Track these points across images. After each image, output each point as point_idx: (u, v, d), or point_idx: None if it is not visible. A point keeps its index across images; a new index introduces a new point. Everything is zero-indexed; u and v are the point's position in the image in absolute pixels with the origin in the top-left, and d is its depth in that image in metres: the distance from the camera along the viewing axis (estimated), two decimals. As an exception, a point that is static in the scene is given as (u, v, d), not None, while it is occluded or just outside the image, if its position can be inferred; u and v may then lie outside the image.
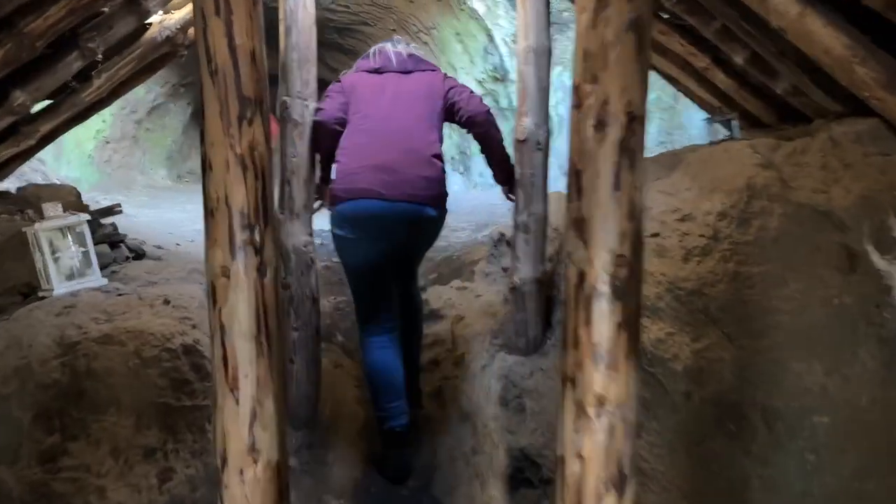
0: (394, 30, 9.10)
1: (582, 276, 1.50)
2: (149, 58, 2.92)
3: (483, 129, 2.66)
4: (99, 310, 2.54)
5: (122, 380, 2.32)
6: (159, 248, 4.26)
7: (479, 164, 8.75)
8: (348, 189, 2.47)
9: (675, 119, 6.08)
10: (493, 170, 2.77)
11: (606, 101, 1.50)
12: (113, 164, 9.90)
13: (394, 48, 2.69)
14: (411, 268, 2.88)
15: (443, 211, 2.63)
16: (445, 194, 2.63)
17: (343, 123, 2.57)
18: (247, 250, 1.44)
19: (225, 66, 1.42)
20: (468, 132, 2.71)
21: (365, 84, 2.61)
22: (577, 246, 1.52)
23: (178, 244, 4.76)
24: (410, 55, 2.69)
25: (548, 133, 2.67)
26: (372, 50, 2.73)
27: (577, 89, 1.55)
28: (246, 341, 1.43)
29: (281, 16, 2.55)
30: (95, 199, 8.18)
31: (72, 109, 3.03)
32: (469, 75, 8.11)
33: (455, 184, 7.29)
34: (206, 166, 1.46)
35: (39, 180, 6.54)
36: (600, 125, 1.50)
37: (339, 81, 2.68)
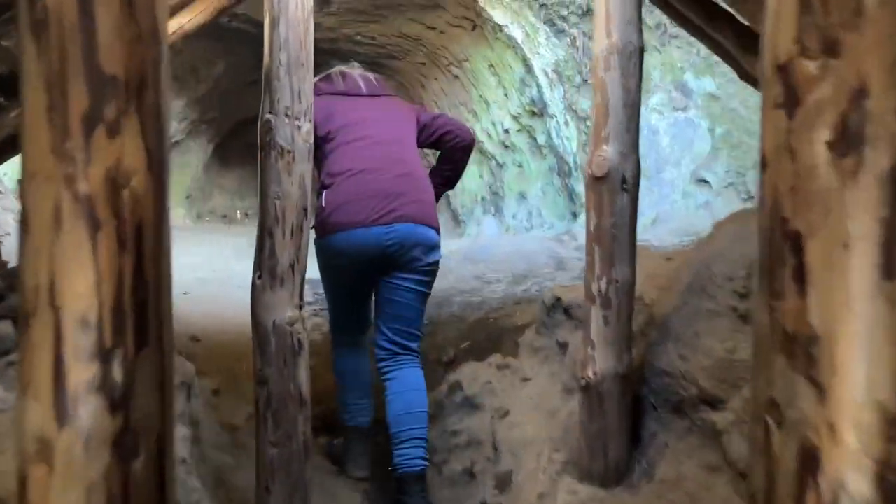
0: (423, 63, 8.48)
1: (808, 457, 0.69)
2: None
3: (467, 155, 2.62)
4: None
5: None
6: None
7: (512, 204, 7.97)
8: (346, 221, 2.27)
9: None
10: (440, 180, 2.63)
11: (861, 92, 0.71)
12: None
13: (353, 71, 2.57)
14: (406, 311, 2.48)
15: (438, 237, 2.47)
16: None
17: None
18: (94, 404, 0.66)
19: (64, 8, 0.67)
20: (444, 147, 2.58)
21: (340, 108, 2.41)
22: (792, 391, 0.73)
23: (185, 293, 4.01)
24: (377, 79, 2.62)
25: (638, 166, 1.88)
26: (332, 72, 2.56)
27: (785, 71, 0.76)
28: None
29: (266, 5, 1.83)
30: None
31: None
32: (503, 109, 7.40)
33: (488, 226, 6.53)
34: (23, 222, 0.70)
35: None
36: (847, 143, 0.72)
37: None
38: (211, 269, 5.14)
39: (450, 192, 9.63)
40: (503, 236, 5.87)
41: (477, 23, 6.84)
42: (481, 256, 5.29)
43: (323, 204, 2.29)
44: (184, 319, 3.57)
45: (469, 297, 4.34)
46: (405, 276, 2.35)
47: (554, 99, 6.18)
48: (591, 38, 5.74)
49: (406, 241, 2.29)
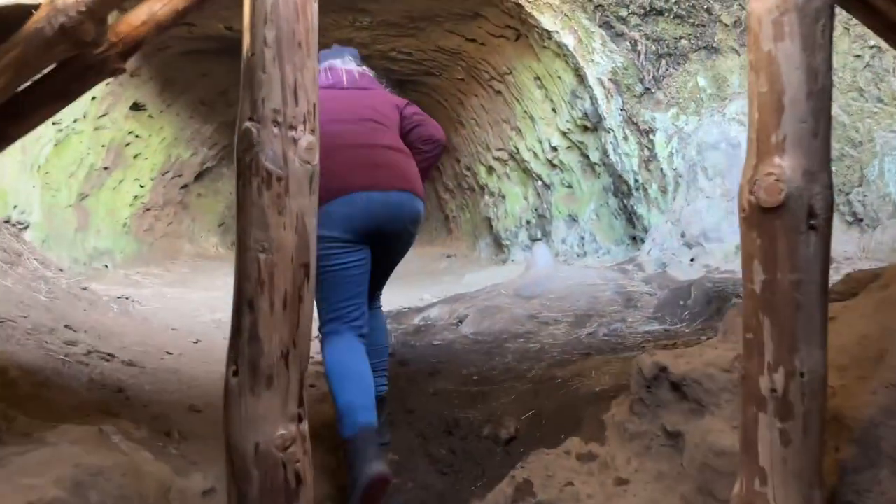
0: (462, 78, 7.86)
1: None
2: (40, 67, 1.62)
3: (435, 153, 2.55)
4: None
5: None
6: (130, 364, 2.92)
7: (561, 228, 7.26)
8: (338, 188, 2.21)
9: None
10: None
11: None
12: (155, 233, 8.88)
13: (344, 66, 2.53)
14: (389, 271, 2.55)
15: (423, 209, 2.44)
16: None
17: None
18: None
19: None
20: (413, 139, 2.50)
21: (323, 100, 2.19)
22: None
23: (167, 354, 3.40)
24: (362, 74, 2.54)
25: (830, 191, 1.17)
26: (321, 65, 2.48)
27: None
28: None
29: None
30: (131, 273, 7.12)
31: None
32: (550, 125, 6.72)
33: (540, 256, 5.79)
34: None
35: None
36: None
37: None
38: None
39: (492, 216, 8.97)
40: (557, 266, 5.15)
41: (521, 31, 6.20)
42: (535, 291, 4.59)
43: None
44: (186, 381, 2.95)
45: (525, 343, 3.64)
46: (394, 246, 2.36)
47: (611, 111, 5.48)
48: (654, 40, 5.05)
49: (403, 210, 2.29)
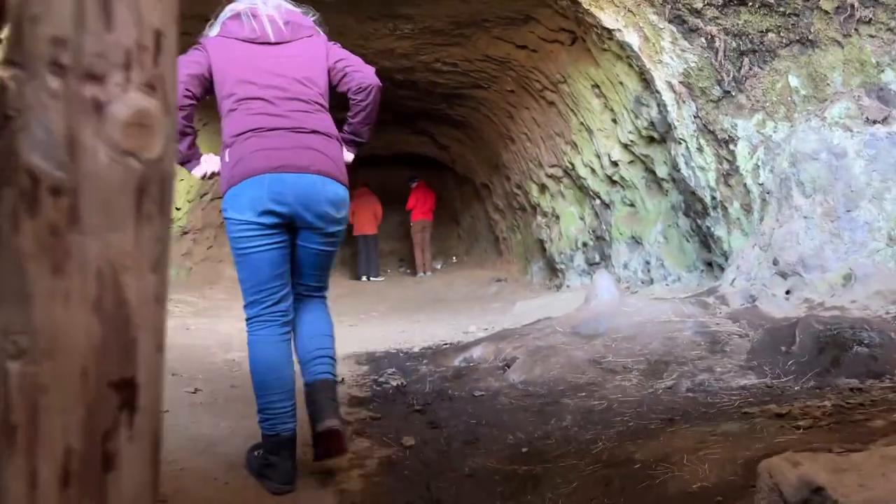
0: (511, 90, 7.21)
1: None
2: None
3: (371, 100, 2.32)
4: None
5: None
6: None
7: (623, 251, 6.47)
8: (247, 170, 2.09)
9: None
10: (349, 132, 2.39)
11: None
12: (194, 258, 8.50)
13: (266, 11, 2.25)
14: (321, 262, 2.33)
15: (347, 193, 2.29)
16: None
17: (193, 99, 2.15)
18: None
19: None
20: (345, 89, 2.32)
21: (239, 57, 2.19)
22: None
23: (194, 391, 2.80)
24: (287, 21, 2.27)
25: None
26: (242, 9, 2.25)
27: None
28: None
29: None
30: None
31: None
32: (610, 138, 5.98)
33: (603, 286, 5.04)
34: None
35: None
36: None
37: (199, 45, 2.21)
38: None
39: (545, 237, 8.20)
40: (623, 298, 4.39)
41: (577, 34, 5.52)
42: (596, 329, 3.84)
43: (227, 158, 2.15)
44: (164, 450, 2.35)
45: (586, 398, 2.91)
46: (317, 233, 2.22)
47: (682, 119, 4.72)
48: (735, 34, 4.28)
49: (318, 193, 2.16)
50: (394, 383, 3.49)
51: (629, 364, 3.31)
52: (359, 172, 12.07)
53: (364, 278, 10.53)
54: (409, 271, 11.61)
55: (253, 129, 2.13)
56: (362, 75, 2.29)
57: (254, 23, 2.22)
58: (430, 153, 11.05)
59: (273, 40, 2.23)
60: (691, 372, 3.08)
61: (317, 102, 2.25)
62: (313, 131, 2.20)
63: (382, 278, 10.66)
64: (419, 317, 6.62)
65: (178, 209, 7.53)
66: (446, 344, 4.66)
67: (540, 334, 3.95)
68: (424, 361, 4.06)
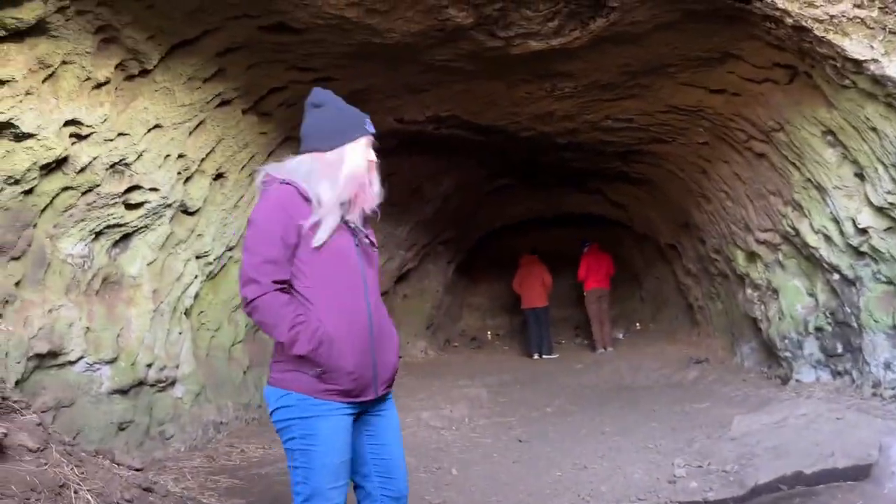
0: (704, 142, 5.84)
1: None
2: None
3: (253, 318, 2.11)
4: None
5: None
6: None
7: (880, 345, 4.76)
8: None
9: None
10: None
11: None
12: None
13: None
14: None
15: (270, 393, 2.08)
16: None
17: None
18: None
19: None
20: None
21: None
22: None
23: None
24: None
25: None
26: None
27: None
28: None
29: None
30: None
31: None
32: (854, 199, 4.42)
33: (836, 413, 3.37)
34: None
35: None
36: None
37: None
38: None
39: (758, 315, 6.50)
40: (864, 421, 2.85)
41: (800, 68, 4.11)
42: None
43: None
44: None
45: None
46: None
47: None
48: None
49: None
50: None
51: None
52: (522, 237, 11.03)
53: (536, 356, 9.40)
54: (586, 342, 10.25)
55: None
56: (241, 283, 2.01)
57: None
58: (602, 212, 9.79)
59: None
60: None
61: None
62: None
63: (556, 355, 9.43)
64: (604, 426, 5.34)
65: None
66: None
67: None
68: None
